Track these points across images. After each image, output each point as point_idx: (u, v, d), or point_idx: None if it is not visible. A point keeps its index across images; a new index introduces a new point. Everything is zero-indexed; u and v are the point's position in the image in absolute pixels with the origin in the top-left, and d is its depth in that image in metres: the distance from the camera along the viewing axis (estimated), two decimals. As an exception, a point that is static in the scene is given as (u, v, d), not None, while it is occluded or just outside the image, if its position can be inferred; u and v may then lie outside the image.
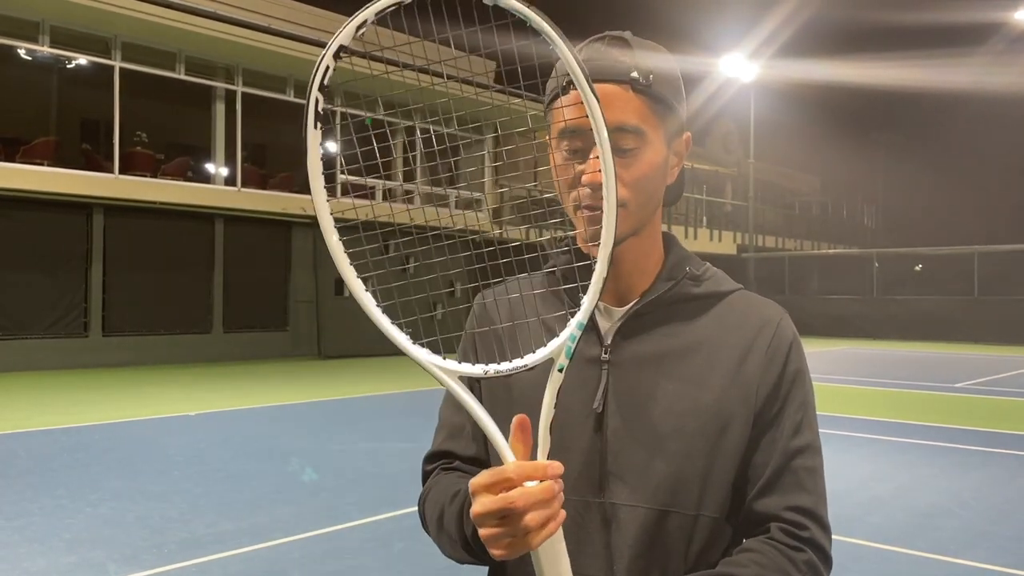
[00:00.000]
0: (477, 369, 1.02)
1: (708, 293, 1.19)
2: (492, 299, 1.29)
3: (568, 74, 1.10)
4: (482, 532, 0.96)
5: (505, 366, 1.01)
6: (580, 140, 1.10)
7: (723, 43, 27.85)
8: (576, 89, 1.08)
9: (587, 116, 1.02)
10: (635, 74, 1.09)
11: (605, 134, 0.94)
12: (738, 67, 28.95)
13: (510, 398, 1.18)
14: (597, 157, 1.08)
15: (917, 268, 30.95)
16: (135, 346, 15.67)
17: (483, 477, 0.95)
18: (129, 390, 12.00)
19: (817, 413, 1.19)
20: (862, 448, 8.19)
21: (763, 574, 1.05)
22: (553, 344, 1.00)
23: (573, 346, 0.99)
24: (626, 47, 1.11)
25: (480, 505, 0.95)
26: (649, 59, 1.11)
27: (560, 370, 0.99)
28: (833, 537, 1.13)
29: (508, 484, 0.94)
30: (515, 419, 0.98)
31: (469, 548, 1.12)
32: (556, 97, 1.13)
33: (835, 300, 28.06)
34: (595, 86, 1.06)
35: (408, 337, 1.03)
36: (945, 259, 27.72)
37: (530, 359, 1.01)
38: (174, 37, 16.24)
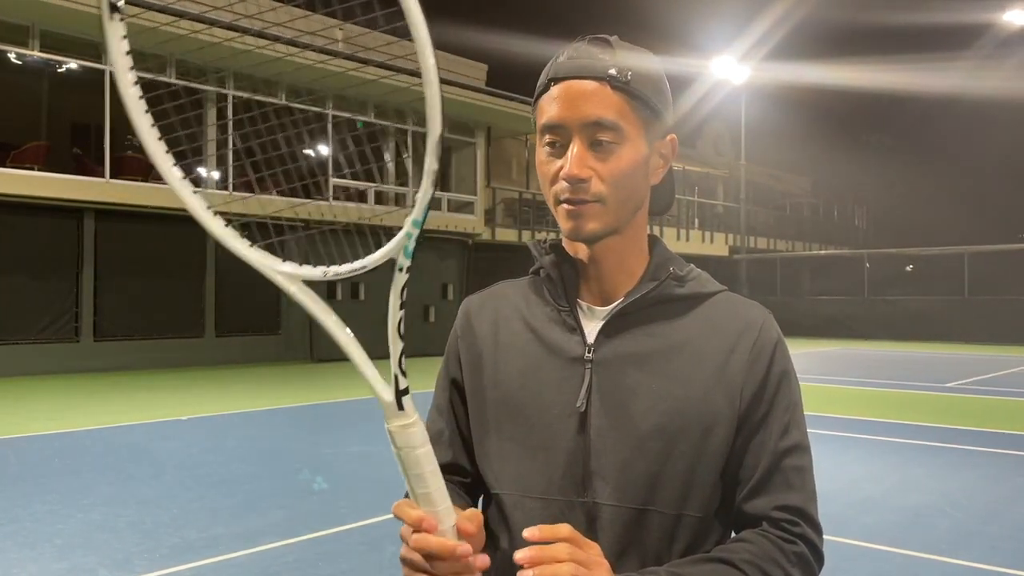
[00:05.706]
0: (317, 272, 0.99)
1: (692, 294, 1.20)
2: (477, 306, 1.29)
3: (549, 72, 1.12)
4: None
5: (345, 267, 0.98)
6: (558, 135, 1.12)
7: (714, 45, 27.93)
8: (556, 85, 1.11)
9: (567, 112, 1.04)
10: (613, 71, 1.10)
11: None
12: (729, 69, 29.05)
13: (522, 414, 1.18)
14: (575, 150, 1.10)
15: (908, 268, 31.13)
16: (127, 351, 15.61)
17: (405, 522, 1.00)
18: (121, 395, 11.96)
19: (809, 413, 1.19)
20: (854, 448, 8.22)
21: (754, 560, 1.06)
22: (391, 244, 0.97)
23: (411, 245, 0.96)
24: (607, 47, 1.12)
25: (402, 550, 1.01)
26: (630, 59, 1.12)
27: (400, 269, 0.97)
28: (826, 537, 1.14)
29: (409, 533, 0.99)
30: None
31: None
32: (540, 94, 1.15)
33: (826, 301, 28.18)
34: (574, 83, 1.11)
35: (245, 241, 0.99)
36: (935, 259, 27.89)
37: (370, 260, 0.98)
38: (164, 41, 16.18)
